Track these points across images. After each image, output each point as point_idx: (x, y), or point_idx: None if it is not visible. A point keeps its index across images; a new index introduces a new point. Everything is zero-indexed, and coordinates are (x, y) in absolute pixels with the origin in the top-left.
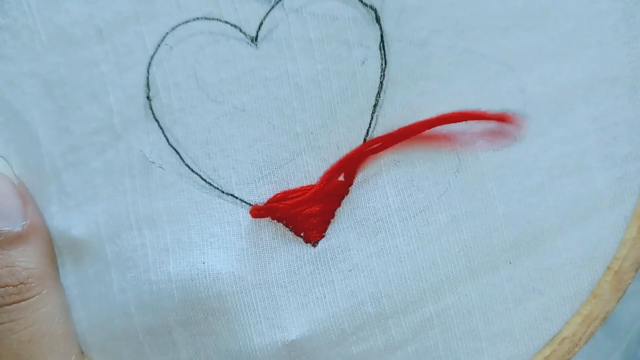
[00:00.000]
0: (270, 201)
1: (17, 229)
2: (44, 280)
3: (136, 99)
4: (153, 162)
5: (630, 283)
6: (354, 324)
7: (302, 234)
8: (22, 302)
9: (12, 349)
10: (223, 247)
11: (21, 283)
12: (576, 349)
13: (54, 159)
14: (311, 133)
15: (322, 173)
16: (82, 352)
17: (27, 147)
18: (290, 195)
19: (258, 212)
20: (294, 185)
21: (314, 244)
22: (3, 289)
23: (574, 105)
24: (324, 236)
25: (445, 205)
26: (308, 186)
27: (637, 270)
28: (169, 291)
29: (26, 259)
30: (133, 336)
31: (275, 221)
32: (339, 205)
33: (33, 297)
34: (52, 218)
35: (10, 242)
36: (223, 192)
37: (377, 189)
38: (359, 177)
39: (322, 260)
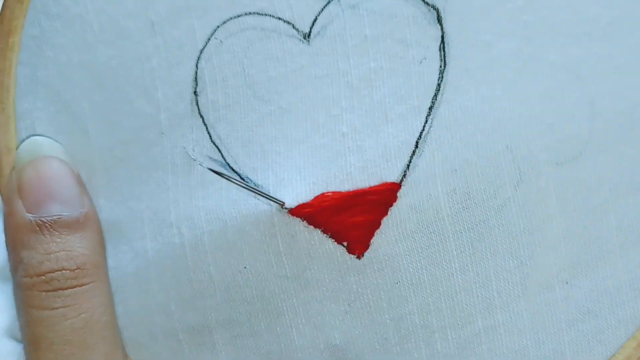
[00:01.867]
0: (306, 205)
1: (76, 214)
2: (98, 269)
3: (183, 95)
4: (194, 160)
5: None
6: (398, 335)
7: (344, 243)
8: (78, 288)
9: (63, 335)
10: (261, 249)
11: (78, 268)
12: None
13: (102, 152)
14: (358, 133)
15: (366, 176)
16: (123, 345)
17: (75, 138)
18: (328, 199)
19: (296, 214)
20: (334, 187)
21: (359, 256)
22: (60, 272)
23: None
24: (369, 247)
25: (503, 221)
26: (353, 191)
27: None
28: (210, 291)
29: (83, 245)
30: (173, 334)
31: (312, 227)
32: (386, 214)
33: (89, 283)
34: (100, 210)
35: (69, 227)
36: (260, 192)
37: (431, 199)
38: (409, 183)
39: (367, 271)
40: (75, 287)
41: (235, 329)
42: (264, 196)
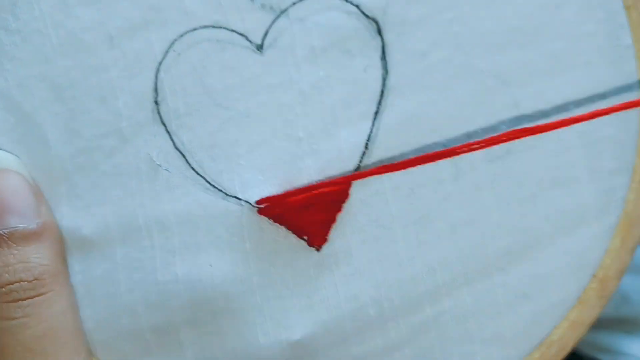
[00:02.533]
0: (269, 199)
1: (32, 226)
2: (57, 277)
3: (144, 104)
4: (159, 165)
5: (613, 290)
6: (355, 326)
7: (305, 237)
8: (37, 298)
9: (25, 344)
10: (228, 249)
11: (36, 279)
12: (563, 353)
13: (63, 160)
14: (313, 137)
15: (323, 177)
16: (90, 350)
17: (36, 148)
18: (291, 197)
19: (263, 212)
20: (294, 187)
21: (318, 248)
22: (18, 284)
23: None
24: (327, 240)
25: (444, 213)
26: (309, 186)
27: (620, 278)
28: (176, 292)
29: (40, 256)
30: (140, 335)
31: (277, 224)
32: (340, 211)
33: (47, 293)
34: (62, 218)
35: (25, 238)
36: (227, 194)
37: (379, 194)
38: (359, 181)
39: (325, 263)
40: (34, 297)
41: (201, 328)
42: (231, 196)
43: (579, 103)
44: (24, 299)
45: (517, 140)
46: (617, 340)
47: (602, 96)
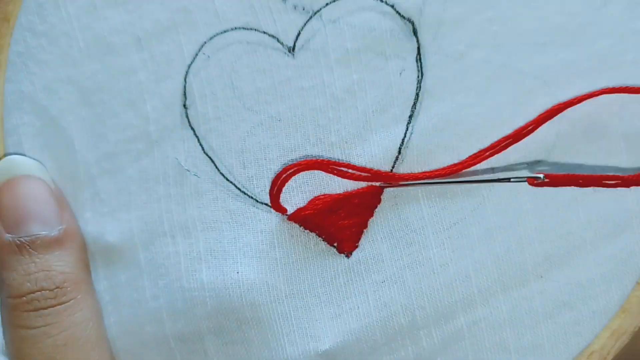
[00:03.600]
0: (303, 209)
1: (54, 233)
2: (79, 284)
3: (173, 108)
4: (188, 170)
5: None
6: (386, 335)
7: (335, 244)
8: (58, 306)
9: (46, 352)
10: (256, 257)
11: (57, 287)
12: None
13: (89, 165)
14: (345, 142)
15: (355, 183)
16: (113, 357)
17: (62, 153)
18: (320, 202)
19: (293, 219)
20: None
21: (348, 255)
22: (40, 292)
23: (606, 122)
24: (357, 246)
25: (479, 219)
26: (341, 194)
27: None
28: (201, 299)
29: (62, 264)
30: (164, 342)
31: (307, 231)
32: (372, 216)
33: (69, 301)
34: (86, 224)
35: (47, 246)
36: (257, 201)
37: (411, 200)
38: (392, 188)
39: (355, 271)
40: (55, 305)
41: (226, 336)
42: (262, 204)
43: (623, 105)
44: (45, 308)
45: (557, 143)
46: None
47: None
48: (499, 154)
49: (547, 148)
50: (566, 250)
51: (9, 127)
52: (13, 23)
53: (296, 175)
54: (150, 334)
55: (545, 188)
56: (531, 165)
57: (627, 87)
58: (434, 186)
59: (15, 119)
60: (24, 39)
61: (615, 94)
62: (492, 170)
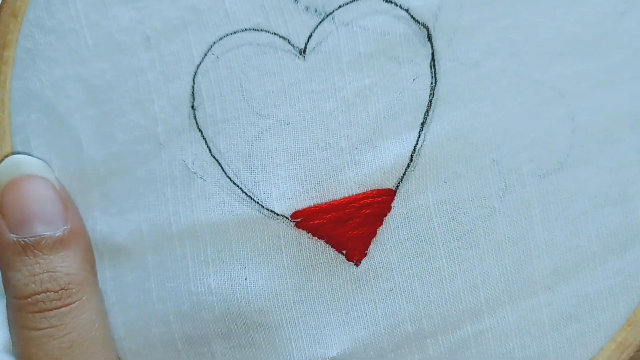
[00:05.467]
0: (307, 211)
1: (58, 233)
2: (84, 286)
3: (181, 108)
4: (195, 173)
5: None
6: (392, 343)
7: (344, 252)
8: (63, 308)
9: (52, 355)
10: (264, 262)
11: (62, 289)
12: None
13: (96, 164)
14: (356, 148)
15: (364, 189)
16: (119, 358)
17: (69, 151)
18: (330, 211)
19: (302, 227)
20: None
21: (357, 263)
22: (44, 294)
23: (621, 135)
24: (366, 255)
25: (489, 230)
26: (349, 197)
27: None
28: (209, 303)
29: (67, 265)
30: (171, 345)
31: (316, 238)
32: (382, 224)
33: (74, 302)
34: (95, 223)
35: (51, 247)
36: (263, 207)
37: (422, 208)
38: (402, 194)
39: (364, 279)
40: (60, 307)
41: (234, 340)
42: (268, 210)
43: (638, 118)
44: (50, 310)
45: (571, 155)
46: None
47: None
48: (510, 164)
49: (559, 160)
50: (574, 263)
51: (17, 125)
52: (21, 19)
53: (302, 176)
54: (157, 335)
55: (558, 199)
56: (543, 177)
57: None
58: (446, 196)
59: (23, 116)
60: (32, 35)
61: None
62: (505, 184)
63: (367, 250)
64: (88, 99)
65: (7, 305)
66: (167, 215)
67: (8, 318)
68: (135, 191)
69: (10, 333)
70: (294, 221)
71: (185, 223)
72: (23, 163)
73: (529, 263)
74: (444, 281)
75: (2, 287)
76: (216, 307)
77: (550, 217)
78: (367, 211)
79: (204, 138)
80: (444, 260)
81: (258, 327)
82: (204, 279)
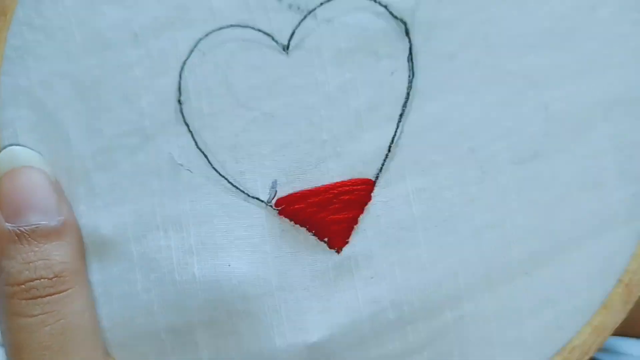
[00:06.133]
0: (290, 198)
1: (53, 223)
2: (77, 275)
3: (167, 103)
4: (181, 165)
5: (638, 295)
6: (374, 329)
7: (325, 239)
8: (56, 295)
9: (43, 341)
10: (248, 250)
11: (55, 276)
12: (585, 358)
13: (84, 159)
14: (337, 140)
15: (345, 179)
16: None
17: (58, 146)
18: (311, 197)
19: (284, 213)
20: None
21: (338, 250)
22: (38, 281)
23: (593, 123)
24: (347, 242)
25: (468, 217)
26: (329, 184)
27: None
28: (193, 292)
29: (61, 253)
30: (155, 335)
31: (298, 225)
32: (362, 212)
33: (66, 290)
34: (80, 217)
35: (46, 236)
36: (249, 195)
37: (401, 197)
38: (382, 184)
39: (345, 266)
40: (53, 294)
41: (217, 329)
42: (254, 198)
43: (609, 106)
44: (44, 296)
45: (545, 143)
46: (617, 340)
47: (635, 100)
48: (487, 153)
49: (534, 148)
50: (552, 248)
51: (5, 121)
52: (10, 17)
53: (286, 167)
54: (141, 326)
55: (534, 186)
56: (519, 164)
57: None
58: (425, 184)
59: (11, 112)
60: (21, 33)
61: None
62: (482, 171)
63: (348, 238)
64: (76, 95)
65: None
66: (152, 206)
67: None
68: (120, 184)
69: (0, 322)
70: (277, 209)
71: (170, 214)
72: (20, 154)
73: (507, 248)
74: (425, 268)
75: None
76: (200, 296)
77: (527, 203)
78: (347, 197)
79: (190, 131)
80: (424, 247)
81: (241, 314)
82: (188, 268)
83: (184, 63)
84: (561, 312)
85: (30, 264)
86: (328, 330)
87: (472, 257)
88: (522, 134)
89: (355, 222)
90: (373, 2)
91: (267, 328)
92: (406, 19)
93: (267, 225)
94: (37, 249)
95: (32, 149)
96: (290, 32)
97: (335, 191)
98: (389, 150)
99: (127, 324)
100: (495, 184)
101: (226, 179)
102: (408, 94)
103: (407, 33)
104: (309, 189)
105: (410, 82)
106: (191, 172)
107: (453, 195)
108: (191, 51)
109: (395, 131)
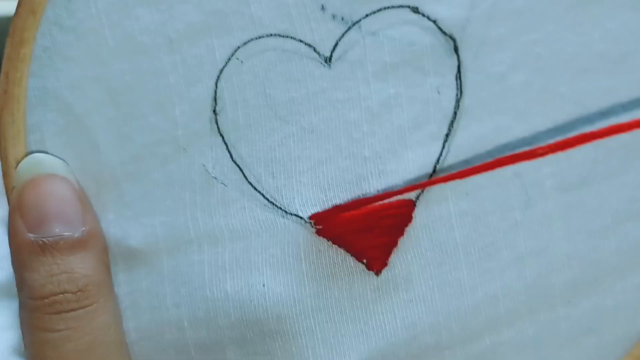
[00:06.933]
0: (333, 225)
1: (77, 234)
2: (101, 288)
3: (202, 113)
4: (215, 178)
5: None
6: (411, 353)
7: (364, 261)
8: (80, 310)
9: (67, 357)
10: (282, 269)
11: (80, 290)
12: None
13: (113, 167)
14: (379, 158)
15: (388, 199)
16: None
17: (86, 152)
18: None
19: (323, 234)
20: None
21: (377, 273)
22: (62, 295)
23: None
24: (387, 265)
25: (511, 242)
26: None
27: None
28: (225, 310)
29: (85, 266)
30: (185, 350)
31: (336, 246)
32: (403, 235)
33: (91, 305)
34: (108, 226)
35: (70, 247)
36: (286, 212)
37: (443, 219)
38: (423, 204)
39: (384, 289)
40: (77, 309)
41: (249, 348)
42: (292, 214)
43: None
44: (68, 311)
45: (593, 170)
46: None
47: None
48: (532, 178)
49: (582, 174)
50: (594, 278)
51: (32, 124)
52: (40, 16)
53: (325, 184)
54: (170, 341)
55: (580, 213)
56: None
57: None
58: (468, 207)
59: (39, 115)
60: (51, 33)
61: None
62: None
63: (387, 259)
64: (107, 100)
65: (20, 306)
66: (184, 219)
67: (21, 319)
68: (151, 195)
69: (23, 335)
70: (315, 228)
71: (204, 228)
72: (44, 162)
73: (549, 276)
74: (465, 293)
75: (5, 287)
76: (232, 314)
77: (572, 231)
78: (389, 222)
79: (225, 143)
80: (465, 272)
81: (274, 335)
82: (221, 285)
83: (221, 71)
84: (601, 342)
85: (54, 277)
86: (364, 353)
87: (513, 284)
88: (570, 159)
89: (396, 244)
90: (421, 16)
91: (302, 350)
92: (455, 35)
93: (303, 244)
94: (60, 261)
95: (57, 156)
96: (333, 43)
97: (378, 215)
98: (434, 171)
99: (155, 338)
100: (540, 210)
101: (262, 194)
102: (455, 112)
103: (455, 50)
104: (349, 212)
105: (457, 100)
106: (225, 185)
107: (497, 219)
108: (229, 59)
109: (441, 151)
